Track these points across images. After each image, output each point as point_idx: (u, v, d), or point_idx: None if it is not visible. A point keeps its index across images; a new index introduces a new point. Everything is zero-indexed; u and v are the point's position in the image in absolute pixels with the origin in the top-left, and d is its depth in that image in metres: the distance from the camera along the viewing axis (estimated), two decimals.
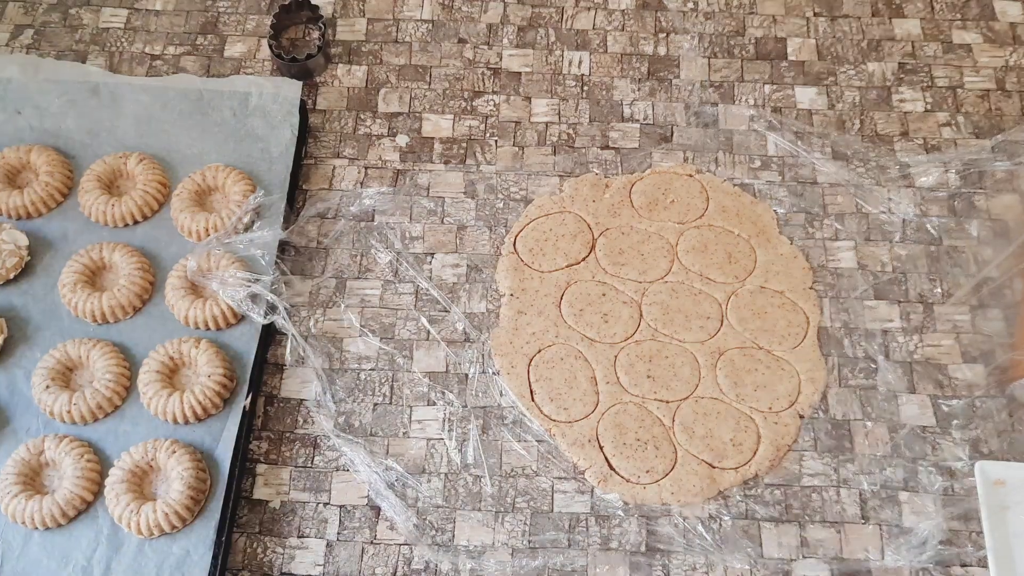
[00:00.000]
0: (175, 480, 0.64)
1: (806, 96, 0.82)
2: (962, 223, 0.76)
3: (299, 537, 0.65)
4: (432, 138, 0.80)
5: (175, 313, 0.71)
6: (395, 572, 0.64)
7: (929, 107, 0.82)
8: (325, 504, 0.66)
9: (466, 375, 0.70)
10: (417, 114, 0.81)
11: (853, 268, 0.75)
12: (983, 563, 0.64)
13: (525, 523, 0.65)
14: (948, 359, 0.71)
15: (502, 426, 0.68)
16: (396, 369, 0.71)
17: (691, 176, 0.78)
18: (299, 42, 0.86)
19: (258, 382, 0.70)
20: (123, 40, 0.85)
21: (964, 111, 0.82)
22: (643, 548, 0.65)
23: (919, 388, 0.70)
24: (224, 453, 0.66)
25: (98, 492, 0.65)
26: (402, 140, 0.80)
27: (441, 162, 0.79)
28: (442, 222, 0.77)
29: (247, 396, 0.68)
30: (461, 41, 0.85)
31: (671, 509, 0.66)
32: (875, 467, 0.67)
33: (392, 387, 0.70)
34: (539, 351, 0.71)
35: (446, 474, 0.67)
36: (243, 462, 0.67)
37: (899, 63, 0.84)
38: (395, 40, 0.86)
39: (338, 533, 0.65)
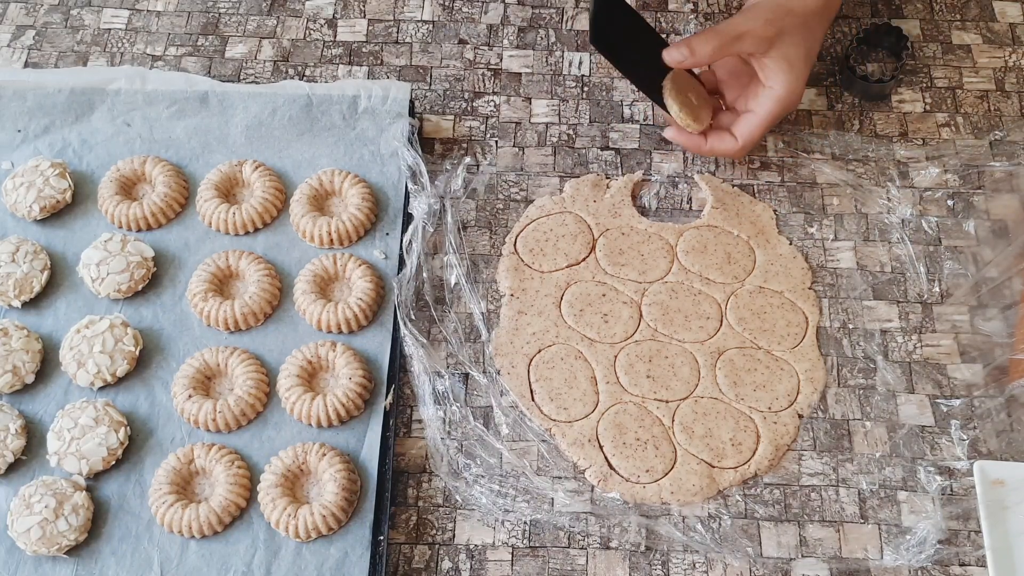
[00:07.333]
0: (328, 482, 0.64)
1: (805, 97, 0.82)
2: (961, 223, 0.76)
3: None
4: (433, 139, 0.80)
5: (307, 318, 0.71)
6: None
7: (928, 108, 0.82)
8: None
9: (466, 375, 0.71)
10: (417, 115, 0.81)
11: (852, 268, 0.75)
12: (982, 562, 0.64)
13: (525, 522, 0.66)
14: (947, 359, 0.71)
15: (502, 426, 0.69)
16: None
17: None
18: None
19: (397, 382, 0.69)
20: (124, 41, 0.86)
21: (963, 112, 0.82)
22: (643, 547, 0.65)
23: (918, 388, 0.70)
24: (370, 454, 0.66)
25: (250, 498, 0.65)
26: None
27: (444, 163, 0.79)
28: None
29: (387, 396, 0.68)
30: (461, 42, 0.85)
31: (671, 508, 0.66)
32: (874, 467, 0.67)
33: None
34: (539, 351, 0.71)
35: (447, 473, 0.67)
36: (392, 461, 0.67)
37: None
38: (396, 41, 0.86)
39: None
